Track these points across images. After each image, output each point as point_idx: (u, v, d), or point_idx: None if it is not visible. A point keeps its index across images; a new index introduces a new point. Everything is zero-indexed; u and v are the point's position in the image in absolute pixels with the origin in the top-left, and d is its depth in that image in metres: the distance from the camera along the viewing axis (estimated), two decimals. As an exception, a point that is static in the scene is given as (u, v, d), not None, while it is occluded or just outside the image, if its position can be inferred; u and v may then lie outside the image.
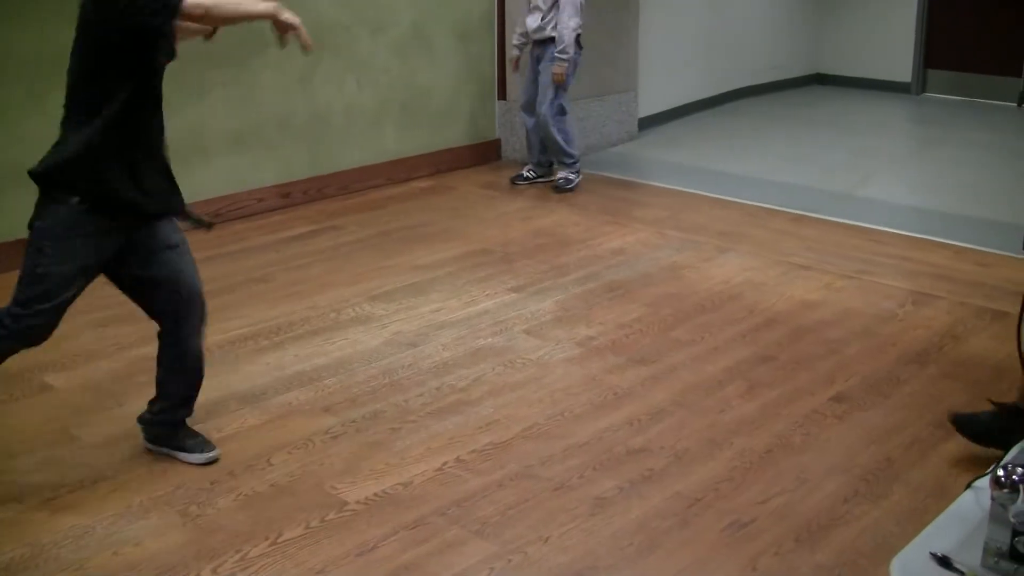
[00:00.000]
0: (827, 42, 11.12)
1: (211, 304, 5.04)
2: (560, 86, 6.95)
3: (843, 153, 8.19)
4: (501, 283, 5.40)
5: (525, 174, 7.37)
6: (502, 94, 8.01)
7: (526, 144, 7.44)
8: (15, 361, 4.47)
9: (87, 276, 3.50)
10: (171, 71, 6.07)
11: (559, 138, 7.07)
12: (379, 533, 3.26)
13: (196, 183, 6.31)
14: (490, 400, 4.14)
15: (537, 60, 7.06)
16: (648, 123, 8.79)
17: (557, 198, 6.99)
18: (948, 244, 5.92)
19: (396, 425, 3.94)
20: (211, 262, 5.72)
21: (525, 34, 7.10)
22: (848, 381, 4.29)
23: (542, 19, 6.90)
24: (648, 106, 8.75)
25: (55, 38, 5.54)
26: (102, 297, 5.06)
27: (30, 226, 3.49)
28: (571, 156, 7.16)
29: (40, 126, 5.58)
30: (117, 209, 3.45)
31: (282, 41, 3.61)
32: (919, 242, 5.98)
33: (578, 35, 6.89)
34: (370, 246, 6.00)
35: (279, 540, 3.24)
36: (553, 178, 7.29)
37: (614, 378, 4.32)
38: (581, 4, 6.84)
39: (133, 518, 3.37)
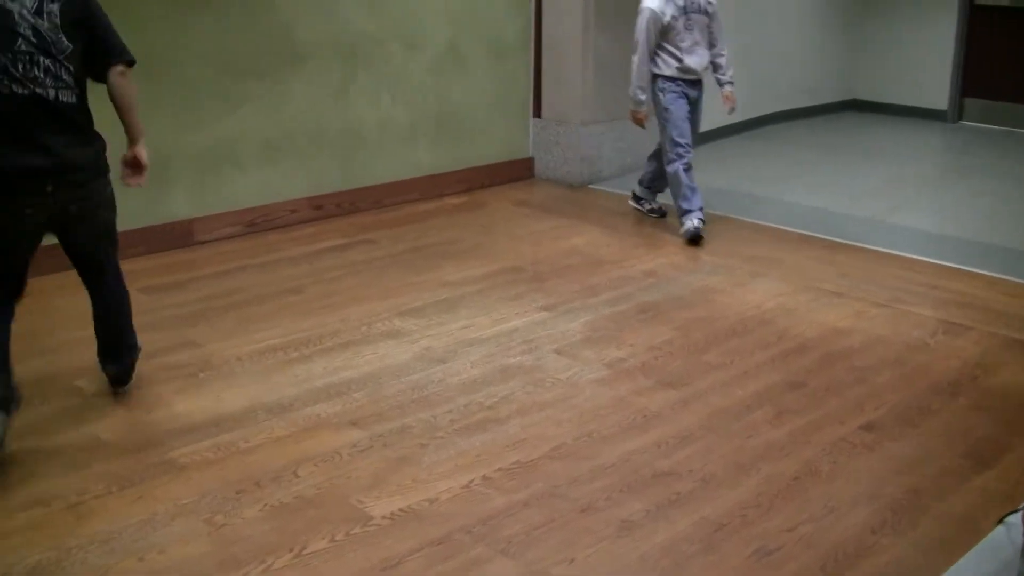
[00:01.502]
0: (863, 68, 11.08)
1: (244, 315, 5.12)
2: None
3: (876, 180, 8.16)
4: (531, 302, 5.40)
5: (700, 221, 6.54)
6: (537, 112, 8.03)
7: (684, 193, 6.55)
8: (48, 366, 4.54)
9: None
10: (207, 81, 6.16)
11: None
12: (404, 549, 3.26)
13: (230, 193, 6.36)
14: (518, 419, 4.13)
15: (696, 101, 6.64)
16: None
17: (588, 218, 6.98)
18: (980, 274, 5.88)
19: (424, 441, 3.94)
20: (243, 272, 5.77)
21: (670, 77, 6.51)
22: (878, 410, 4.26)
23: (709, 51, 6.53)
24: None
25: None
26: (135, 305, 5.11)
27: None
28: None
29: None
30: None
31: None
32: (951, 271, 5.95)
33: None
34: (402, 261, 6.01)
35: (303, 552, 3.24)
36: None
37: (643, 400, 4.31)
38: None
39: (159, 525, 3.38)
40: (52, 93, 3.75)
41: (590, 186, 7.84)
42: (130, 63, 3.99)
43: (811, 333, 5.04)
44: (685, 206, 6.50)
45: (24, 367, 4.52)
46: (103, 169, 4.00)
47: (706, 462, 3.81)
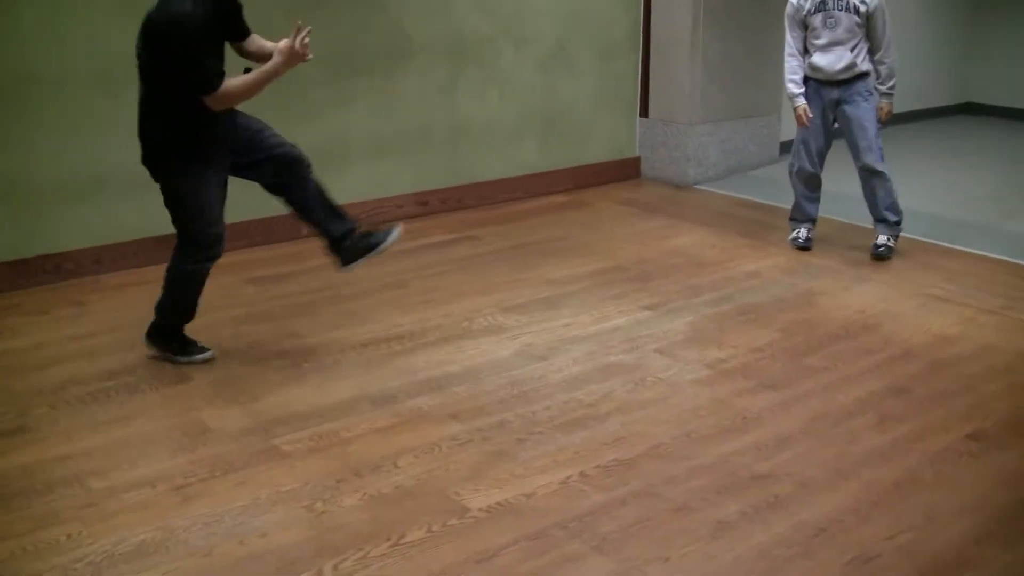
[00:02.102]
0: (976, 70, 10.86)
1: (348, 308, 5.20)
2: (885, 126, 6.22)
3: (989, 185, 7.99)
4: (634, 301, 5.39)
5: (805, 237, 6.40)
6: (644, 112, 8.01)
7: (803, 202, 6.47)
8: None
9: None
10: (318, 80, 6.25)
11: (892, 188, 6.22)
12: (500, 542, 3.28)
13: (337, 187, 6.39)
14: (617, 416, 4.13)
15: (837, 103, 6.15)
16: (790, 147, 8.67)
17: (694, 218, 6.95)
18: (1097, 284, 5.75)
19: (522, 436, 3.96)
20: (348, 266, 5.84)
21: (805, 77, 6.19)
22: (985, 419, 4.17)
23: (851, 53, 6.00)
24: (791, 130, 8.63)
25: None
26: (242, 295, 5.22)
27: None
28: (900, 213, 6.22)
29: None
30: None
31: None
32: (1066, 280, 5.82)
33: None
34: (505, 258, 6.04)
35: (400, 542, 3.27)
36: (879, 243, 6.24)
37: (743, 402, 4.28)
38: None
39: (260, 510, 3.44)
40: None
41: (696, 186, 7.80)
42: None
43: (917, 339, 4.96)
44: (792, 214, 6.45)
45: (135, 352, 4.66)
46: None
47: (805, 466, 3.78)
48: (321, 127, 6.31)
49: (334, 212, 4.71)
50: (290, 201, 4.69)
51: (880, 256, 6.13)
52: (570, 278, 5.69)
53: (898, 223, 6.19)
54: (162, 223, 5.73)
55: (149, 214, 5.71)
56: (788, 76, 6.20)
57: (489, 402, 4.24)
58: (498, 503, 3.50)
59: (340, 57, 6.32)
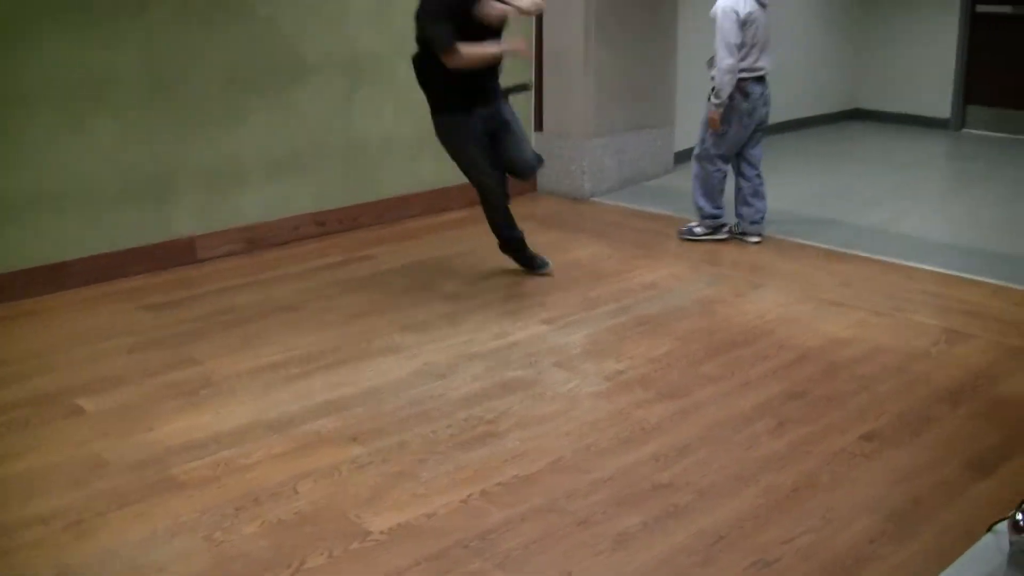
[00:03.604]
0: (865, 76, 11.08)
1: (244, 331, 5.14)
2: (717, 131, 6.55)
3: (879, 188, 8.15)
4: (532, 315, 5.40)
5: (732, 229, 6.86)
6: (539, 125, 8.04)
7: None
8: (48, 383, 4.56)
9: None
10: (212, 97, 6.19)
11: (697, 187, 6.76)
12: (402, 564, 3.26)
13: (232, 208, 6.37)
14: (517, 432, 4.14)
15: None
16: (685, 157, 8.77)
17: (590, 231, 6.99)
18: (984, 282, 5.87)
19: (422, 456, 3.94)
20: (244, 289, 5.79)
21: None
22: (879, 419, 4.25)
23: (711, 57, 6.45)
24: (685, 140, 8.74)
25: (93, 61, 5.65)
26: (135, 322, 5.14)
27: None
28: (703, 210, 6.76)
29: (79, 150, 5.68)
30: None
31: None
32: (954, 279, 5.94)
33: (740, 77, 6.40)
34: (403, 276, 6.02)
35: (302, 568, 3.24)
36: (752, 233, 6.76)
37: (642, 412, 4.31)
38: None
39: (158, 543, 3.38)
40: None
41: (592, 199, 7.85)
42: None
43: (812, 343, 5.04)
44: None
45: (25, 386, 4.56)
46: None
47: (704, 474, 3.81)
48: (215, 146, 6.24)
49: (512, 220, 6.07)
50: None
51: (682, 236, 6.79)
52: (468, 294, 5.68)
53: (704, 218, 6.77)
54: (51, 252, 5.66)
55: (36, 245, 5.61)
56: None
57: (388, 423, 4.21)
58: (399, 524, 3.48)
59: (234, 75, 6.26)
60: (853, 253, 6.43)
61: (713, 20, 6.34)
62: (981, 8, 10.21)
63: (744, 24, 6.30)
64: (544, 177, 8.06)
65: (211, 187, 6.26)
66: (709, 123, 6.52)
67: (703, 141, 6.66)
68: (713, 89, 6.42)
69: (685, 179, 8.07)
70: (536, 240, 6.68)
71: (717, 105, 6.41)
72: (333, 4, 6.68)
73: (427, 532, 3.44)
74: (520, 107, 7.75)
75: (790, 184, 8.26)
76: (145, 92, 5.88)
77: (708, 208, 6.75)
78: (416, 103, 7.07)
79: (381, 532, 3.43)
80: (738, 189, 6.74)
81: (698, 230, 6.81)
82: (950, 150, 9.99)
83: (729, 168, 6.73)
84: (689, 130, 8.66)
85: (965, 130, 10.52)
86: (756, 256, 6.38)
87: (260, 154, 6.47)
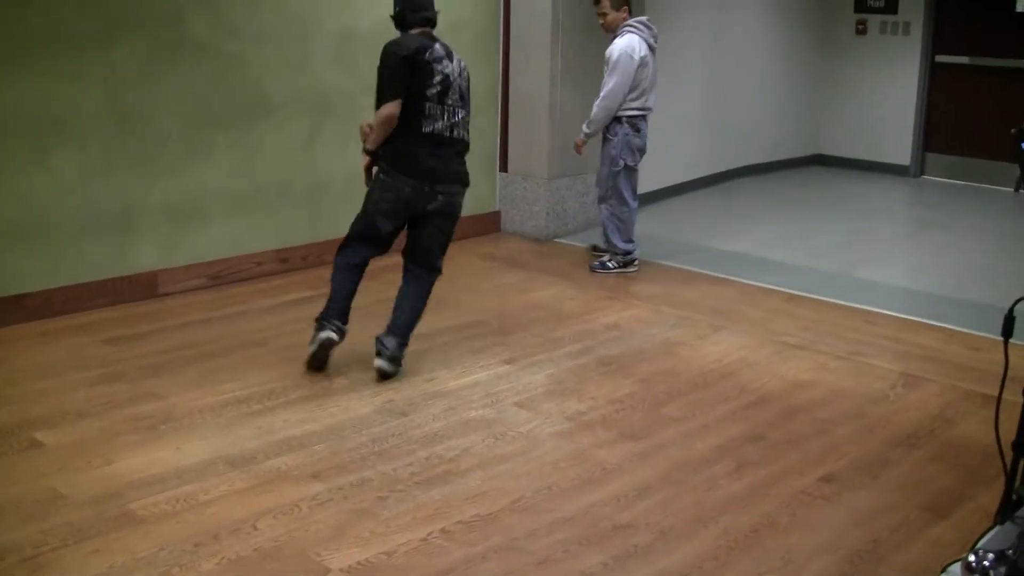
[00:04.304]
0: (827, 123, 11.23)
1: (207, 366, 5.12)
2: (614, 162, 7.00)
3: (839, 234, 8.24)
4: (494, 355, 5.41)
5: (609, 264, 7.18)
6: (503, 166, 8.08)
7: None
8: (6, 415, 4.52)
9: None
10: (176, 135, 6.18)
11: (610, 226, 7.08)
12: (361, 602, 3.25)
13: (196, 245, 6.36)
14: (478, 472, 4.14)
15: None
16: (647, 199, 8.83)
17: (553, 271, 7.02)
18: (941, 327, 5.95)
19: (383, 494, 3.94)
20: (207, 325, 5.77)
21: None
22: (838, 462, 4.29)
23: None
24: (647, 183, 8.80)
25: (58, 95, 5.64)
26: (97, 356, 5.11)
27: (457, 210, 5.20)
28: (616, 247, 7.10)
29: (42, 183, 5.66)
30: None
31: None
32: (912, 324, 6.01)
33: (630, 115, 6.94)
34: (366, 314, 5.99)
35: (260, 606, 3.23)
36: (634, 267, 7.14)
37: (603, 453, 4.32)
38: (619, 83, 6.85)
39: (115, 579, 3.36)
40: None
41: (556, 240, 7.89)
42: None
43: (772, 386, 5.08)
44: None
45: (-18, 419, 4.51)
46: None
47: (665, 515, 3.82)
48: (179, 183, 6.23)
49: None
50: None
51: (593, 269, 7.07)
52: (430, 333, 5.68)
53: (617, 255, 7.09)
54: (11, 284, 5.62)
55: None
56: None
57: (350, 460, 4.21)
58: (359, 563, 3.47)
59: (199, 111, 6.26)
60: (814, 297, 6.49)
61: (607, 60, 6.87)
62: (940, 58, 10.37)
63: (638, 66, 6.79)
64: (507, 218, 8.10)
65: (174, 222, 6.25)
66: (575, 148, 7.13)
67: (608, 180, 7.03)
68: (587, 123, 6.97)
69: (648, 220, 8.16)
70: (499, 281, 6.74)
71: (588, 135, 7.03)
72: (299, 42, 6.71)
73: (387, 570, 3.43)
74: (486, 145, 7.81)
75: (751, 228, 8.34)
76: (109, 127, 5.87)
77: (622, 245, 7.09)
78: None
79: (341, 570, 3.42)
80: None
81: (611, 264, 7.10)
82: (910, 196, 10.12)
83: (637, 205, 7.17)
84: (651, 173, 8.76)
85: (924, 176, 10.66)
86: (718, 299, 6.42)
87: (224, 190, 6.46)
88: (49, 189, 5.71)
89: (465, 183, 5.22)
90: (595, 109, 6.90)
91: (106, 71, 5.81)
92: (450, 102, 5.06)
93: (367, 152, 5.09)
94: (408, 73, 4.93)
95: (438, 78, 4.99)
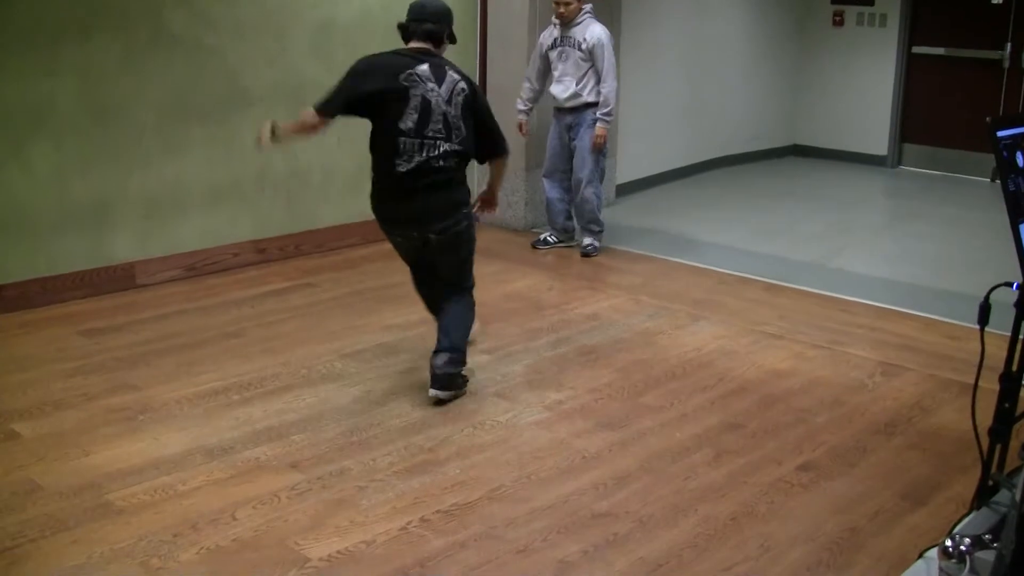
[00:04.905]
0: (805, 114, 11.24)
1: (185, 358, 5.10)
2: (601, 150, 7.11)
3: (818, 224, 8.26)
4: (473, 345, 5.40)
5: (548, 239, 7.43)
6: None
7: (547, 210, 7.46)
8: (-18, 409, 4.49)
9: None
10: (153, 126, 6.15)
11: (598, 204, 7.20)
12: (340, 591, 3.25)
13: (172, 237, 6.34)
14: (457, 461, 4.14)
15: (568, 128, 7.16)
16: (626, 190, 8.86)
17: (532, 262, 7.02)
18: (918, 316, 5.97)
19: (362, 483, 3.93)
20: (184, 316, 5.75)
21: (534, 100, 7.27)
22: (815, 450, 4.30)
23: (576, 85, 6.99)
24: (626, 173, 8.82)
25: (34, 88, 5.61)
26: (74, 348, 5.09)
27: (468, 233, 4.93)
28: (601, 224, 7.26)
29: (19, 175, 5.63)
30: None
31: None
32: (890, 313, 6.03)
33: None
34: (343, 304, 6.01)
35: (240, 596, 3.22)
36: (576, 243, 7.38)
37: (581, 442, 4.33)
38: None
39: (93, 569, 3.35)
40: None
41: (534, 230, 7.88)
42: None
43: (751, 375, 5.09)
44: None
45: (-41, 411, 4.49)
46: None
47: (644, 503, 3.83)
48: (156, 174, 6.20)
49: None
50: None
51: (588, 254, 7.19)
52: (408, 323, 5.68)
53: (600, 231, 7.26)
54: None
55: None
56: (520, 96, 7.32)
57: (329, 450, 4.20)
58: (339, 552, 3.47)
59: (176, 104, 6.23)
60: (792, 287, 6.51)
61: (589, 50, 6.93)
62: (917, 49, 10.40)
63: None
64: (486, 208, 8.08)
65: (151, 214, 6.22)
66: (600, 141, 7.03)
67: (597, 163, 7.13)
68: (608, 111, 7.01)
69: (626, 210, 8.18)
70: (478, 271, 6.67)
71: (610, 123, 7.10)
72: (277, 35, 6.69)
73: (366, 559, 3.43)
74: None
75: (730, 218, 8.35)
76: (86, 119, 5.84)
77: (602, 220, 7.31)
78: (359, 134, 7.09)
79: (320, 559, 3.42)
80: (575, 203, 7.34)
81: (552, 239, 7.42)
82: (887, 187, 10.14)
83: None
84: (631, 164, 8.77)
85: (901, 167, 10.69)
86: (697, 289, 6.43)
87: (201, 182, 6.44)
88: (26, 181, 5.68)
89: (458, 209, 4.78)
90: (609, 96, 6.97)
91: (82, 63, 5.78)
92: (430, 133, 4.58)
93: (273, 134, 4.71)
94: (357, 97, 4.62)
95: (414, 103, 4.55)
